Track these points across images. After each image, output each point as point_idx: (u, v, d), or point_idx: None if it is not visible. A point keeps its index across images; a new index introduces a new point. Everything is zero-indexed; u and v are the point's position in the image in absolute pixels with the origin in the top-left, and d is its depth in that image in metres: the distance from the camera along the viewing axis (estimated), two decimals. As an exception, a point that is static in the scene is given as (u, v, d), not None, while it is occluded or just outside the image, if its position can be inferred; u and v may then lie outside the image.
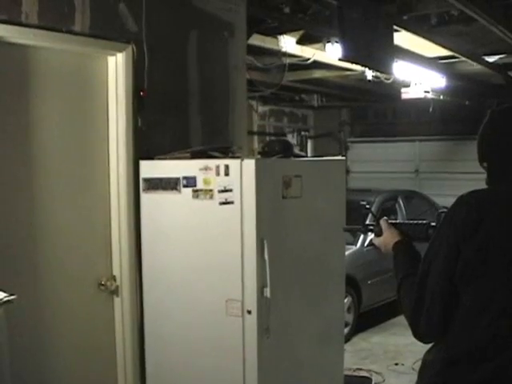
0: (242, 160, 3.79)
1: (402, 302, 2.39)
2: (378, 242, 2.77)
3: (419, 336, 2.32)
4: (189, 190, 3.96)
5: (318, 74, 9.90)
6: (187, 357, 4.08)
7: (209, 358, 3.97)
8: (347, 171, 14.08)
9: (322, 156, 5.48)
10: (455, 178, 13.17)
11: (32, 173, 3.85)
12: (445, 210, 2.37)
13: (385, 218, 2.80)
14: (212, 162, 3.88)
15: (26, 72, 3.81)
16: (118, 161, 4.21)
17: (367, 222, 2.95)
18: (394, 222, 2.78)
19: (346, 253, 5.47)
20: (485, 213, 2.17)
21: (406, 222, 2.91)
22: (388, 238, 2.70)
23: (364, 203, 3.36)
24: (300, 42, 7.62)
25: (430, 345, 2.36)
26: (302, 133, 15.49)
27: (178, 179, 4.00)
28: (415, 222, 2.80)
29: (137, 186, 4.22)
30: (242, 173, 3.74)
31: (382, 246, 2.74)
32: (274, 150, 4.37)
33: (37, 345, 3.88)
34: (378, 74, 8.47)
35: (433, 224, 2.57)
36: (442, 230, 2.29)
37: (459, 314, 2.21)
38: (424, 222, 2.76)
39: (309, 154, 14.77)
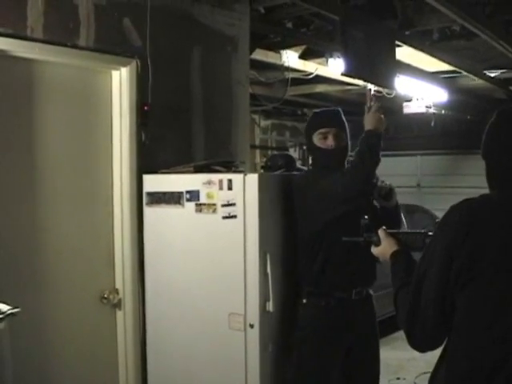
0: (246, 174, 3.80)
1: (398, 311, 2.40)
2: (377, 252, 2.81)
3: (415, 345, 2.32)
4: (192, 204, 3.97)
5: (320, 88, 9.93)
6: (189, 370, 4.07)
7: (211, 372, 3.97)
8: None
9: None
10: (457, 192, 13.11)
11: (36, 186, 3.87)
12: None
13: (383, 227, 2.82)
14: (215, 177, 3.89)
15: (30, 86, 3.84)
16: (122, 175, 4.23)
17: (366, 233, 2.98)
18: (391, 231, 2.81)
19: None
20: (476, 218, 2.18)
21: (404, 231, 2.94)
22: (386, 248, 2.73)
23: (365, 216, 3.40)
24: (302, 56, 7.66)
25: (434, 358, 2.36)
26: (304, 147, 15.49)
27: (181, 193, 4.02)
28: (413, 231, 2.83)
29: (140, 199, 4.23)
30: (245, 187, 3.75)
31: (381, 255, 2.78)
32: (276, 164, 4.39)
33: (39, 358, 3.88)
34: (380, 88, 8.50)
35: (430, 233, 2.59)
36: (435, 237, 2.30)
37: (455, 322, 2.21)
38: (421, 231, 2.79)
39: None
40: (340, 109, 4.02)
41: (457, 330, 2.21)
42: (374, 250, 2.84)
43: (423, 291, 2.24)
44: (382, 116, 3.71)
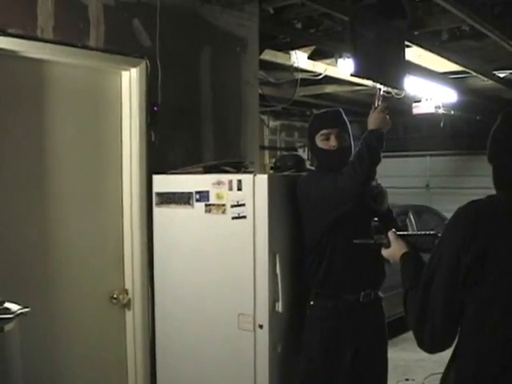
0: (255, 175, 3.80)
1: (408, 313, 2.41)
2: (387, 254, 2.83)
3: (424, 346, 2.33)
4: (201, 205, 3.98)
5: (329, 89, 9.92)
6: (198, 371, 4.08)
7: (220, 372, 3.97)
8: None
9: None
10: (466, 193, 13.07)
11: (45, 186, 3.88)
12: None
13: (393, 230, 2.83)
14: (225, 177, 3.89)
15: (40, 86, 3.85)
16: (131, 175, 4.24)
17: (376, 236, 2.99)
18: (401, 233, 2.82)
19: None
20: (483, 220, 2.19)
21: (414, 233, 2.95)
22: (396, 250, 2.75)
23: (375, 219, 3.40)
24: (312, 57, 7.65)
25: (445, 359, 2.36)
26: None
27: (190, 194, 4.02)
28: (422, 233, 2.84)
29: (150, 200, 4.24)
30: (255, 188, 3.75)
31: (390, 257, 2.81)
32: (286, 164, 4.38)
33: (49, 357, 3.89)
34: (389, 89, 8.48)
35: (439, 235, 2.60)
36: (442, 239, 2.32)
37: (464, 323, 2.22)
38: (431, 232, 2.80)
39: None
40: (341, 109, 3.99)
41: (466, 330, 2.23)
42: (384, 252, 2.85)
43: (432, 292, 2.26)
44: (387, 116, 3.68)
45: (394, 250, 2.77)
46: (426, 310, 2.26)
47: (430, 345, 2.32)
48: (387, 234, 2.84)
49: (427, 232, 2.85)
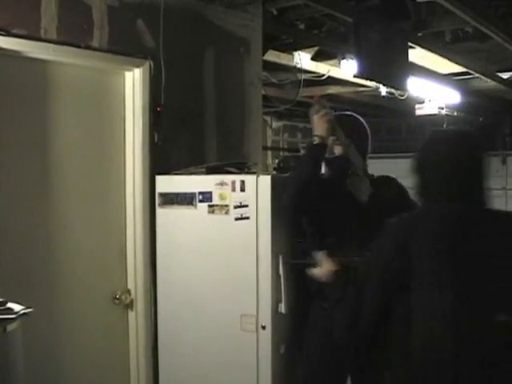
0: (258, 176, 3.80)
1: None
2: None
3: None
4: (204, 205, 3.98)
5: (332, 89, 9.90)
6: (201, 371, 4.07)
7: (223, 373, 3.97)
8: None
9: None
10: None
11: (49, 186, 3.88)
12: None
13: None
14: (228, 178, 3.89)
15: (44, 87, 3.85)
16: (135, 175, 4.24)
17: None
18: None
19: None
20: (408, 231, 2.37)
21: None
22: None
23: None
24: (315, 58, 7.64)
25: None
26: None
27: (193, 194, 4.02)
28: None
29: (153, 200, 4.24)
30: (258, 188, 3.75)
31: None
32: (289, 165, 4.38)
33: (51, 358, 3.89)
34: (393, 90, 8.48)
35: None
36: (373, 252, 2.50)
37: (394, 325, 2.37)
38: None
39: (322, 170, 14.75)
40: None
41: (396, 331, 2.37)
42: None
43: (364, 298, 2.45)
44: (328, 121, 3.55)
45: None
46: (358, 316, 2.43)
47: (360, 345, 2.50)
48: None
49: None
